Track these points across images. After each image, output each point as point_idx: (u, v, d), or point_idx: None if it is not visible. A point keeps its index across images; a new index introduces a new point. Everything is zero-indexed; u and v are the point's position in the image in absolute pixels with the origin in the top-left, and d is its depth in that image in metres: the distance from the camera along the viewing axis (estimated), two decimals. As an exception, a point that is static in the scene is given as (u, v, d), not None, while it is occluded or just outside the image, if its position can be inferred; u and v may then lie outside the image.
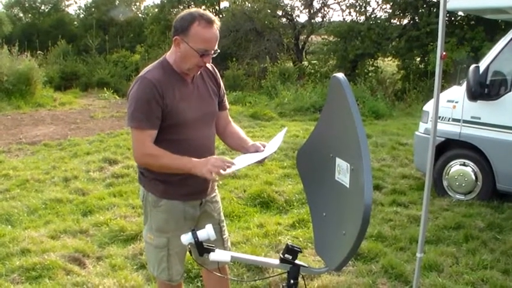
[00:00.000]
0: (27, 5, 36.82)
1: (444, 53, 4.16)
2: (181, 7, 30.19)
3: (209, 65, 3.52)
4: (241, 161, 3.38)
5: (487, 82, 7.25)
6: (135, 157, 3.43)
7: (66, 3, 38.39)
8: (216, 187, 3.77)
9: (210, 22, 3.22)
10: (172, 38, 3.36)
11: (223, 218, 3.84)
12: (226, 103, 3.78)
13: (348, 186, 2.66)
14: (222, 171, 3.15)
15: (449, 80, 14.58)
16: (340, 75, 2.74)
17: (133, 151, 3.39)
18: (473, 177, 7.52)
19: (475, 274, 5.28)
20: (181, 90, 3.38)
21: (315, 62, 25.35)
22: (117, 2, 35.56)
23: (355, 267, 5.39)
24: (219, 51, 3.33)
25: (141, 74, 3.41)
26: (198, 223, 3.54)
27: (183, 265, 3.69)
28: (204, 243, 2.91)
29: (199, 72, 3.47)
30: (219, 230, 3.68)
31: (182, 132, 3.38)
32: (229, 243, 3.87)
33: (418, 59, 21.86)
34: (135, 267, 5.43)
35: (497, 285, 5.06)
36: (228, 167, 3.18)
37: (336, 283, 5.04)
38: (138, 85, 3.31)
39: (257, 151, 3.46)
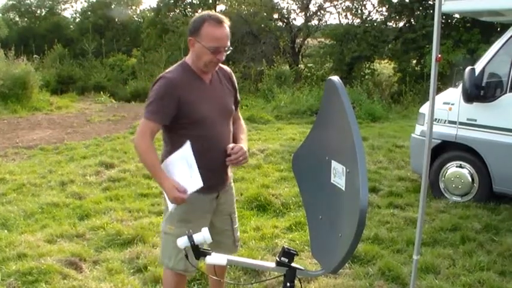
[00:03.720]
0: (23, 9, 36.87)
1: (439, 56, 4.16)
2: (178, 11, 30.28)
3: (227, 69, 3.92)
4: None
5: (483, 84, 7.26)
6: (134, 140, 3.71)
7: (62, 7, 38.46)
8: (231, 180, 4.04)
9: (219, 21, 3.52)
10: (188, 40, 3.65)
11: (235, 209, 4.11)
12: (238, 102, 4.10)
13: (343, 189, 2.67)
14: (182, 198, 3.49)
15: (445, 82, 14.59)
16: (335, 78, 2.75)
17: (135, 135, 3.70)
18: (470, 179, 7.53)
19: (471, 276, 5.28)
20: (199, 89, 3.66)
21: (311, 65, 25.40)
22: (114, 5, 35.57)
23: (351, 269, 5.39)
24: (231, 48, 3.63)
25: (161, 74, 3.70)
26: (213, 214, 3.88)
27: None
28: (200, 247, 2.92)
29: (217, 74, 3.80)
30: (229, 222, 4.03)
31: (201, 128, 3.62)
32: (238, 234, 4.17)
33: (415, 61, 21.91)
34: (131, 271, 5.42)
35: (494, 286, 5.06)
36: (183, 196, 3.48)
37: (333, 286, 5.03)
38: (158, 83, 3.60)
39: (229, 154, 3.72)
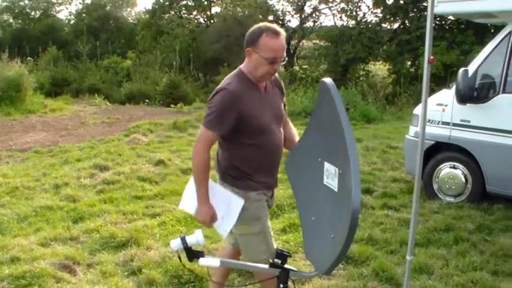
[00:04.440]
0: (17, 10, 36.69)
1: (432, 57, 4.18)
2: (172, 12, 30.24)
3: (277, 76, 3.95)
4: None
5: (476, 85, 7.27)
6: (194, 146, 3.86)
7: (57, 8, 38.32)
8: None
9: (276, 33, 3.63)
10: (245, 50, 3.76)
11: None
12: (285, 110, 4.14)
13: (336, 190, 2.68)
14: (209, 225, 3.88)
15: (440, 83, 14.63)
16: (328, 80, 2.77)
17: (195, 143, 3.82)
18: (463, 179, 7.55)
19: (464, 276, 5.30)
20: (257, 99, 3.79)
21: (306, 66, 25.45)
22: (108, 7, 35.51)
23: (346, 270, 5.40)
24: (287, 58, 3.85)
25: (221, 85, 3.78)
26: None
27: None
28: (193, 248, 2.93)
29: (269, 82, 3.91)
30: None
31: (261, 137, 3.78)
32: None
33: (409, 62, 21.95)
34: (126, 273, 5.41)
35: (487, 286, 5.08)
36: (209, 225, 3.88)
37: (327, 287, 5.04)
38: (220, 95, 3.70)
39: None
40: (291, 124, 4.21)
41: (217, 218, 3.82)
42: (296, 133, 4.13)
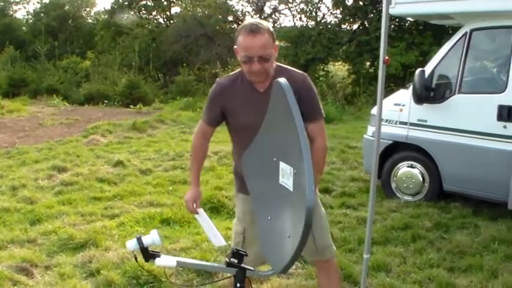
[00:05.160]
0: (-27, 10, 36.13)
1: (387, 58, 4.23)
2: (132, 13, 30.07)
3: (298, 78, 3.69)
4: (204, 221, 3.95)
5: (433, 85, 7.39)
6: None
7: (14, 8, 37.82)
8: None
9: (250, 31, 3.46)
10: None
11: (319, 215, 3.96)
12: (314, 115, 3.82)
13: (291, 189, 2.69)
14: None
15: (399, 83, 14.83)
16: (282, 79, 2.78)
17: None
18: (421, 178, 7.65)
19: (422, 273, 5.39)
20: (247, 96, 3.67)
21: (266, 67, 25.48)
22: (67, 7, 35.15)
23: (304, 269, 5.42)
24: (268, 56, 3.49)
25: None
26: None
27: (256, 256, 3.74)
28: (149, 249, 2.92)
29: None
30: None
31: (244, 136, 3.55)
32: (324, 241, 4.00)
33: (368, 63, 22.18)
34: (84, 275, 5.36)
35: (443, 282, 5.16)
36: (193, 212, 3.99)
37: (286, 286, 5.06)
38: (212, 87, 3.81)
39: None
40: (319, 144, 3.75)
41: (212, 237, 3.92)
42: (319, 161, 3.69)
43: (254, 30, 3.46)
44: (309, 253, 3.92)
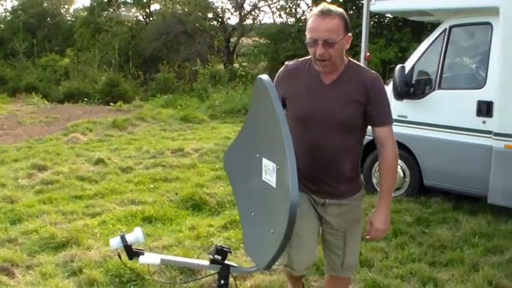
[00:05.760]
0: (-50, 7, 35.72)
1: (368, 54, 4.26)
2: (111, 10, 29.92)
3: (370, 76, 3.49)
4: None
5: (413, 81, 7.44)
6: None
7: (-8, 5, 37.44)
8: (354, 195, 3.72)
9: (322, 12, 3.29)
10: None
11: (356, 228, 3.77)
12: (382, 118, 3.52)
13: (274, 186, 2.70)
14: None
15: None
16: (265, 76, 2.79)
17: None
18: (401, 174, 7.70)
19: (403, 267, 5.43)
20: (309, 84, 3.47)
21: (245, 64, 25.55)
22: (45, 4, 34.87)
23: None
24: (334, 41, 3.30)
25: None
26: (323, 225, 3.70)
27: (309, 257, 3.70)
28: (133, 247, 2.91)
29: (348, 78, 3.47)
30: (342, 239, 3.70)
31: (297, 127, 3.34)
32: (351, 259, 3.77)
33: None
34: (66, 274, 5.32)
35: (425, 277, 5.22)
36: None
37: (269, 282, 5.07)
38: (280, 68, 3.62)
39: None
40: (387, 152, 3.55)
41: None
42: (386, 169, 3.61)
43: (325, 12, 3.29)
44: (331, 268, 3.78)
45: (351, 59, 3.57)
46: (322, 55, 3.30)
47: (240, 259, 5.42)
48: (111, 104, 19.27)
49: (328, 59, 3.33)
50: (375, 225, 3.58)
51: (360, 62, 4.39)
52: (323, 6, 3.34)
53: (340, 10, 3.35)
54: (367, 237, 3.62)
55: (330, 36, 3.27)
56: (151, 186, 8.38)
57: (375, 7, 7.75)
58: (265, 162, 2.78)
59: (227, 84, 20.64)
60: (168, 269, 5.22)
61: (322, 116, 3.41)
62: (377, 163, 7.75)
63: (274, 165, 2.68)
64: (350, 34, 3.42)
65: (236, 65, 26.38)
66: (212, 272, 3.05)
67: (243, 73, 24.39)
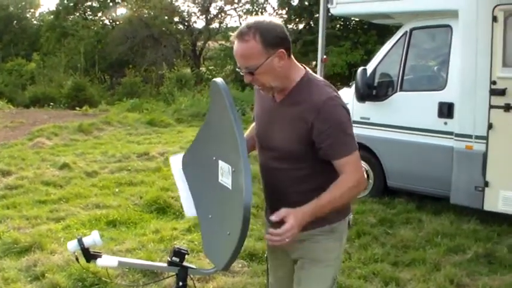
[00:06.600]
0: None
1: (325, 57, 4.31)
2: (77, 14, 29.70)
3: (321, 99, 2.84)
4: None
5: (375, 84, 7.54)
6: None
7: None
8: (316, 231, 2.99)
9: (236, 36, 2.81)
10: None
11: (320, 262, 3.06)
12: (332, 152, 2.87)
13: (230, 188, 2.73)
14: None
15: (345, 82, 14.99)
16: (219, 80, 2.81)
17: None
18: (365, 175, 7.75)
19: (366, 268, 5.51)
20: (265, 103, 3.05)
21: (212, 67, 25.57)
22: (11, 8, 34.49)
23: (250, 267, 5.47)
24: (254, 68, 2.79)
25: None
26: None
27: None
28: (90, 250, 2.92)
29: (297, 98, 2.90)
30: (298, 275, 3.12)
31: (257, 144, 3.13)
32: None
33: (314, 62, 22.27)
34: (29, 279, 5.29)
35: (387, 277, 5.29)
36: None
37: (232, 284, 5.10)
38: None
39: None
40: (344, 178, 2.88)
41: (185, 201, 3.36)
42: (336, 187, 2.86)
43: (237, 35, 2.79)
44: None
45: (309, 72, 3.05)
46: (253, 83, 2.91)
47: (203, 261, 5.45)
48: (77, 108, 19.15)
49: (262, 85, 2.91)
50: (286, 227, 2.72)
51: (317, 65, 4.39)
52: (244, 25, 2.83)
53: (256, 27, 2.77)
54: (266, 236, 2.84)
55: (248, 64, 2.79)
56: (116, 190, 8.35)
57: (336, 10, 7.83)
58: (221, 164, 2.80)
59: (193, 88, 20.65)
60: (131, 272, 5.22)
61: (266, 136, 3.04)
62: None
63: (230, 167, 2.71)
64: (281, 49, 2.84)
65: (203, 69, 26.38)
66: (171, 273, 3.06)
67: (210, 77, 24.36)
